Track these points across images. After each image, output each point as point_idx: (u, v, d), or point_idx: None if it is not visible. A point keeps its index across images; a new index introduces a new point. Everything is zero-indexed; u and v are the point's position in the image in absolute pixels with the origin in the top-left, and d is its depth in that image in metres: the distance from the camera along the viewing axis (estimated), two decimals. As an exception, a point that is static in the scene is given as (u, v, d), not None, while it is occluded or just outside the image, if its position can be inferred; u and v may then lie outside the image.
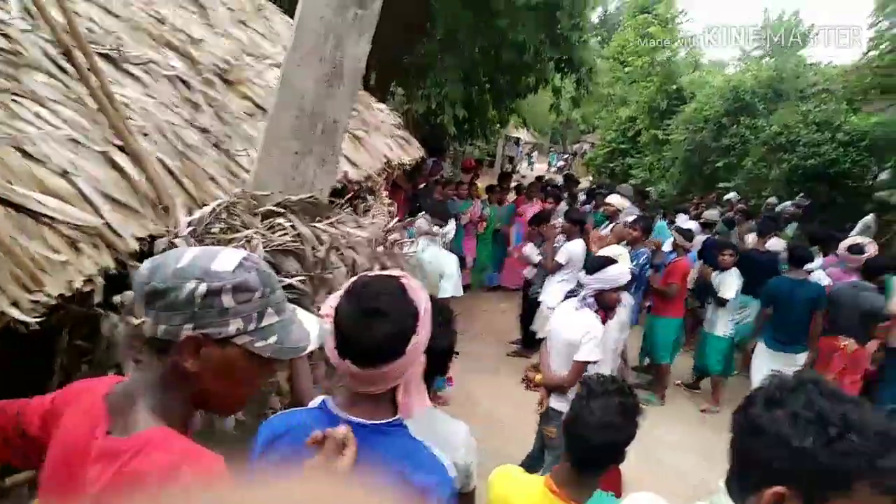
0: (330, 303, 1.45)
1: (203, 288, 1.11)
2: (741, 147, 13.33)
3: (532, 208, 8.91)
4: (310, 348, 1.26)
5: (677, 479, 5.04)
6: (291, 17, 6.74)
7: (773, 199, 11.37)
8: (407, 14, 9.42)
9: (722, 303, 6.27)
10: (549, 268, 6.37)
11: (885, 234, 9.03)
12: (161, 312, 1.11)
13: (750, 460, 1.13)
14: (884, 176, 11.54)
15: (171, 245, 2.06)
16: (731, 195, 12.42)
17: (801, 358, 5.66)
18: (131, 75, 2.97)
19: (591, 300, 3.86)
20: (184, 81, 3.23)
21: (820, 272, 6.46)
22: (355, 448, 1.22)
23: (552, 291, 6.13)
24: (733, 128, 13.90)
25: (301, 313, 1.30)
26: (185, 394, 1.17)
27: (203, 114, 3.15)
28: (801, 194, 10.43)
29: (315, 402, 1.56)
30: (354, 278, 1.48)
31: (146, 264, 1.16)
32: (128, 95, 2.77)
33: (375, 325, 1.35)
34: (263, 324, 1.18)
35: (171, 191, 2.29)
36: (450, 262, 5.23)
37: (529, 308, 6.81)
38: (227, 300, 1.13)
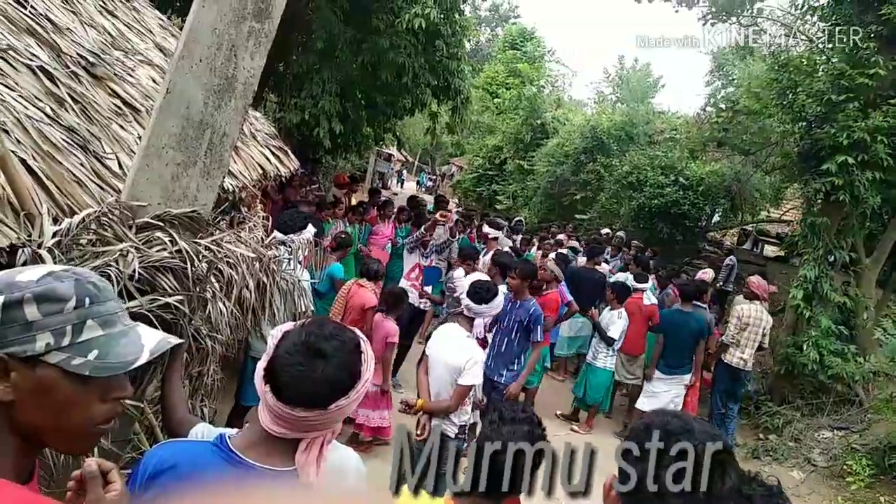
0: (282, 327, 1.42)
1: (0, 301, 0.99)
2: (596, 183, 14.41)
3: (386, 228, 8.73)
4: (139, 362, 1.10)
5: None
6: (161, 11, 6.41)
7: (621, 233, 12.39)
8: (283, 21, 9.22)
9: (610, 342, 6.65)
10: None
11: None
12: None
13: None
14: (717, 218, 13.05)
15: (35, 257, 1.88)
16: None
17: (687, 378, 6.38)
18: (-14, 62, 2.67)
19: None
20: (47, 73, 2.95)
21: (650, 292, 7.38)
22: (119, 481, 1.14)
23: None
24: (590, 164, 14.99)
25: (144, 329, 1.16)
26: (6, 433, 1.00)
27: (69, 111, 2.89)
28: (635, 242, 11.50)
29: (210, 436, 1.49)
30: (311, 318, 1.45)
31: None
32: (-19, 84, 2.49)
33: (312, 363, 1.32)
34: (82, 338, 1.03)
35: (34, 196, 2.08)
36: (303, 278, 4.74)
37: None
38: (31, 312, 0.99)
